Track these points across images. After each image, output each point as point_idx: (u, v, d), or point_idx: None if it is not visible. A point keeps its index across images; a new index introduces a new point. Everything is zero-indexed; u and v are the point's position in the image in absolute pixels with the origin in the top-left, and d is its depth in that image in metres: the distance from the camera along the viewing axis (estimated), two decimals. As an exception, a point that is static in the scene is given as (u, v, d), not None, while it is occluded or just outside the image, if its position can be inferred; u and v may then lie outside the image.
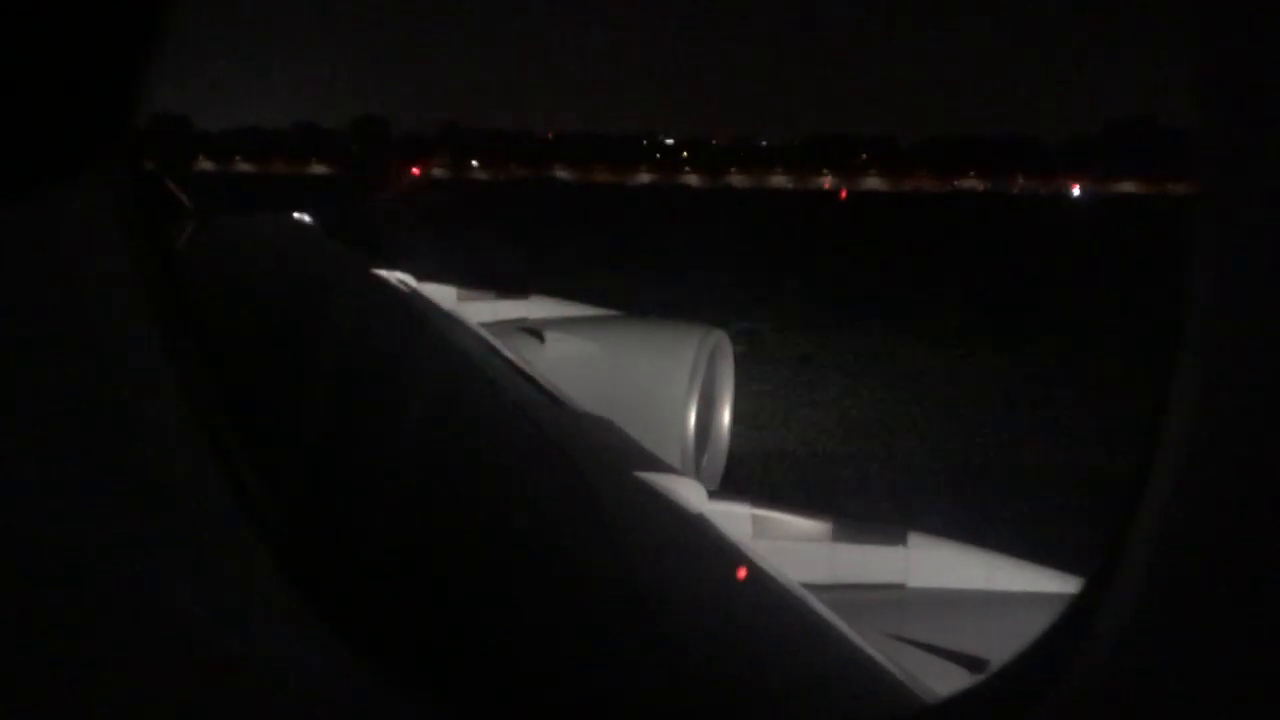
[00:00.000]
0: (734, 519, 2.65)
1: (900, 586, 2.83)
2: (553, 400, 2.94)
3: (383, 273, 4.37)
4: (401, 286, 4.25)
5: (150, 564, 1.00)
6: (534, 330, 4.52)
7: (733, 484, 4.54)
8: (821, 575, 2.76)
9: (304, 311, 3.34)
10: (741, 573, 1.91)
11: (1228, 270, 0.78)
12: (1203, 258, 0.80)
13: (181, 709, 1.01)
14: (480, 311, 4.80)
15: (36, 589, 0.98)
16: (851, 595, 2.73)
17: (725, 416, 4.68)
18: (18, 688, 0.98)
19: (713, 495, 2.58)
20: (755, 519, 2.78)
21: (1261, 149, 0.75)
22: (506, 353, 3.47)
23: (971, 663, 2.16)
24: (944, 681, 1.67)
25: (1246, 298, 0.77)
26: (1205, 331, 0.80)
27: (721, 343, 4.61)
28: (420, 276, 4.65)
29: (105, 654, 0.99)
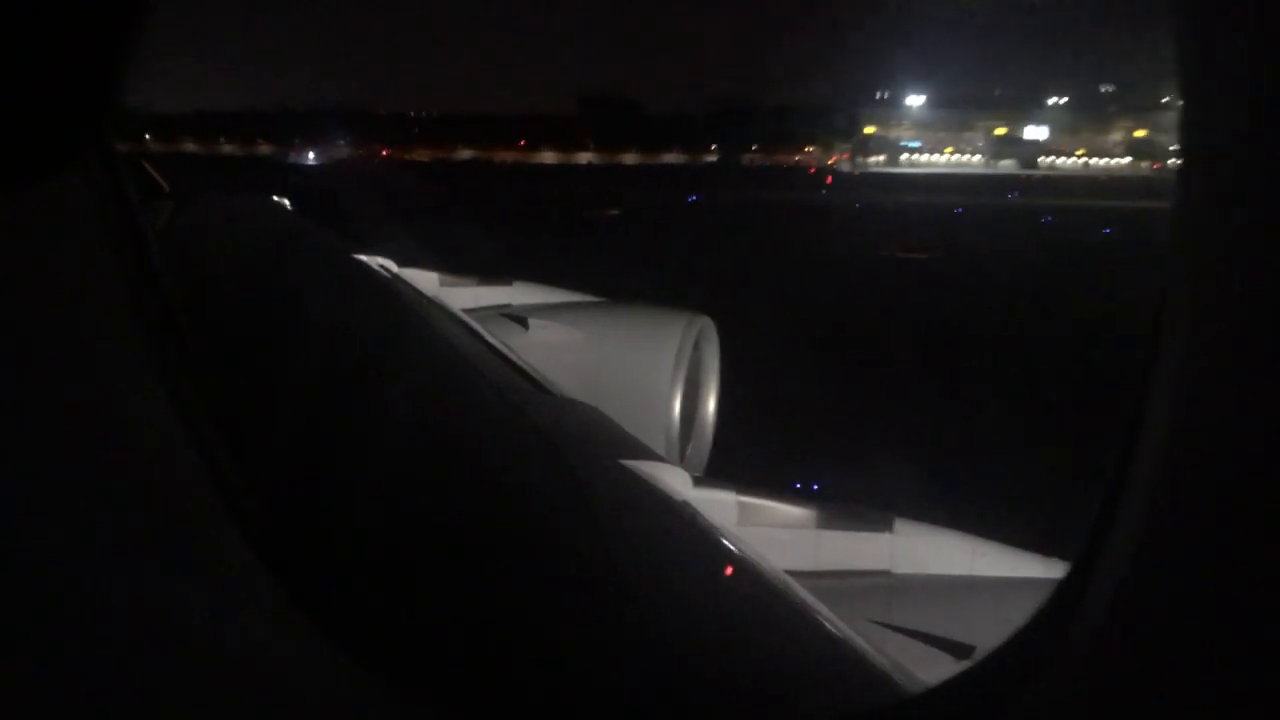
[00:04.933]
0: (719, 505, 2.65)
1: (886, 573, 2.84)
2: (537, 387, 2.93)
3: (364, 258, 4.33)
4: (383, 272, 4.21)
5: (133, 558, 0.99)
6: (517, 317, 4.50)
7: (718, 470, 4.53)
8: (807, 562, 2.77)
9: (285, 297, 3.30)
10: (728, 568, 1.91)
11: (1204, 262, 0.78)
12: (1179, 252, 0.81)
13: (171, 703, 1.00)
14: (463, 297, 4.76)
15: (22, 587, 0.97)
16: (837, 582, 2.74)
17: (710, 402, 4.68)
18: (15, 686, 0.96)
19: (698, 482, 2.58)
20: (741, 505, 2.78)
21: (1243, 149, 0.75)
22: (490, 339, 3.45)
23: (957, 648, 2.17)
24: (930, 667, 1.67)
25: (1222, 292, 0.77)
26: (1183, 323, 0.80)
27: (706, 329, 4.60)
28: (402, 262, 4.61)
29: (95, 650, 0.98)
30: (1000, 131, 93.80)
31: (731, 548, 1.97)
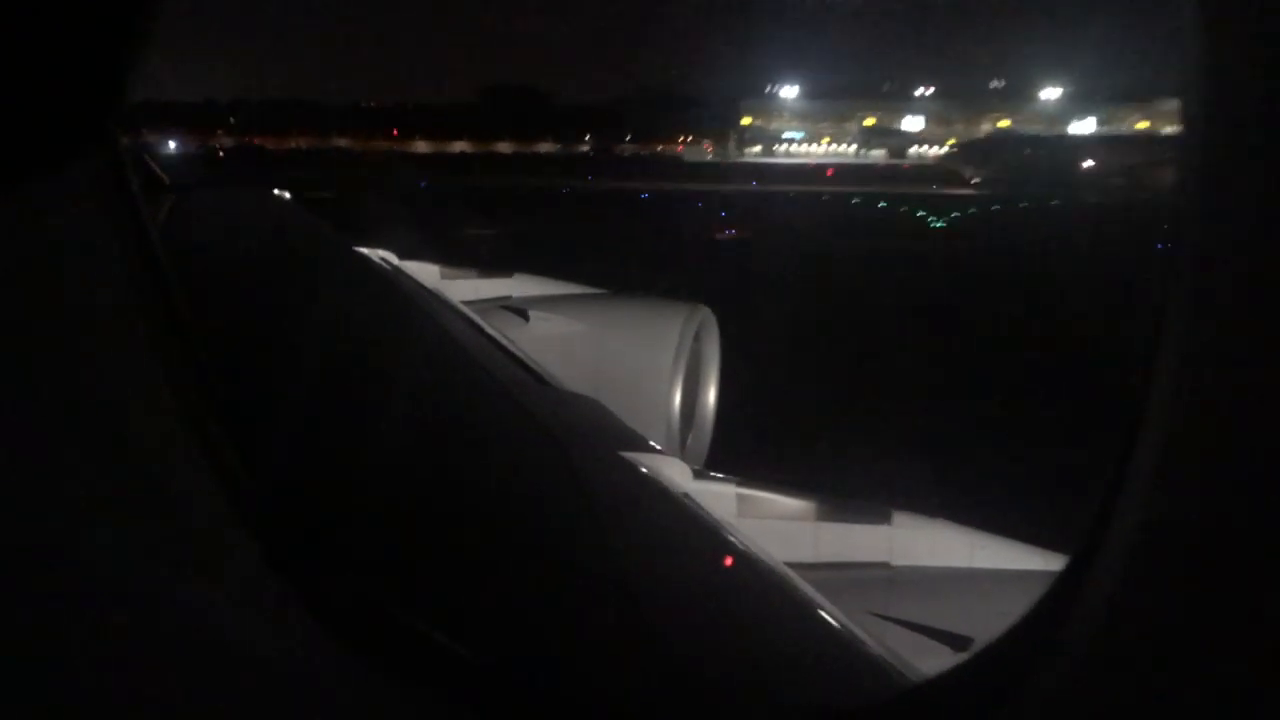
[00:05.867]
0: (719, 498, 2.65)
1: (885, 565, 2.85)
2: (537, 379, 2.93)
3: (365, 250, 4.32)
4: (384, 264, 4.21)
5: (137, 557, 0.99)
6: (518, 309, 4.49)
7: (718, 462, 4.54)
8: (806, 554, 2.78)
9: (286, 290, 3.30)
10: (728, 560, 1.92)
11: (1207, 260, 0.79)
12: (1182, 248, 0.81)
13: (178, 704, 1.00)
14: (463, 290, 4.76)
15: (22, 586, 0.97)
16: (836, 574, 2.75)
17: (710, 395, 4.68)
18: (21, 686, 0.97)
19: (698, 474, 2.58)
20: (740, 498, 2.78)
21: (1248, 152, 0.75)
22: (491, 331, 3.45)
23: (956, 641, 2.17)
24: (928, 660, 1.68)
25: (1224, 285, 0.77)
26: (1186, 314, 0.80)
27: (707, 320, 4.60)
28: (403, 254, 4.61)
29: (100, 650, 0.98)
30: (869, 122, 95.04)
31: (731, 539, 1.98)
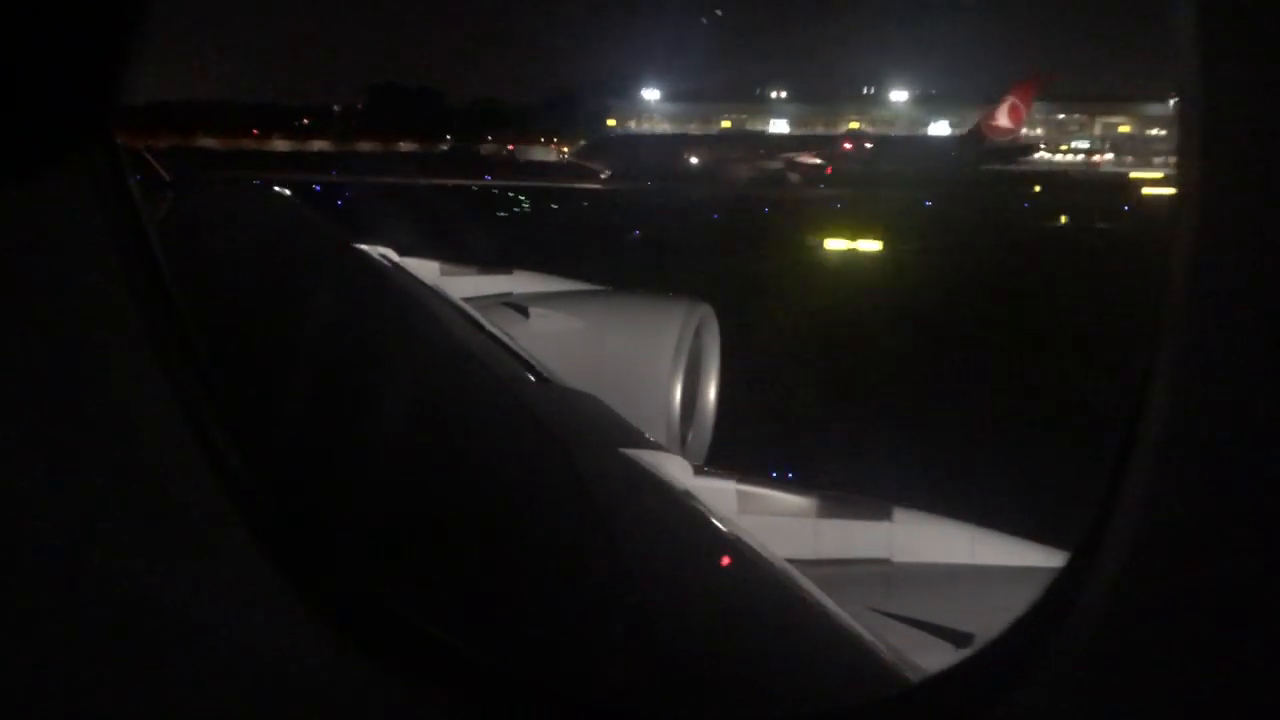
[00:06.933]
0: (720, 494, 2.65)
1: (885, 561, 2.85)
2: (538, 376, 2.92)
3: (365, 247, 4.31)
4: (384, 261, 4.20)
5: (139, 556, 0.99)
6: (518, 305, 4.49)
7: (718, 459, 4.53)
8: (807, 550, 2.77)
9: (286, 286, 3.30)
10: (728, 557, 1.92)
11: (1207, 260, 0.79)
12: (1182, 244, 0.81)
13: (181, 702, 1.00)
14: (463, 287, 4.75)
15: (22, 584, 0.97)
16: (837, 570, 2.74)
17: (711, 391, 4.67)
18: (15, 685, 0.97)
19: (698, 470, 2.58)
20: (741, 494, 2.78)
21: (1252, 144, 0.75)
22: (491, 328, 3.45)
23: (956, 637, 2.17)
24: (929, 656, 1.68)
25: (1224, 282, 0.77)
26: (1185, 315, 0.80)
27: (707, 317, 4.59)
28: (403, 251, 4.60)
29: (98, 648, 0.98)
30: (725, 124, 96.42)
31: (732, 536, 1.97)
